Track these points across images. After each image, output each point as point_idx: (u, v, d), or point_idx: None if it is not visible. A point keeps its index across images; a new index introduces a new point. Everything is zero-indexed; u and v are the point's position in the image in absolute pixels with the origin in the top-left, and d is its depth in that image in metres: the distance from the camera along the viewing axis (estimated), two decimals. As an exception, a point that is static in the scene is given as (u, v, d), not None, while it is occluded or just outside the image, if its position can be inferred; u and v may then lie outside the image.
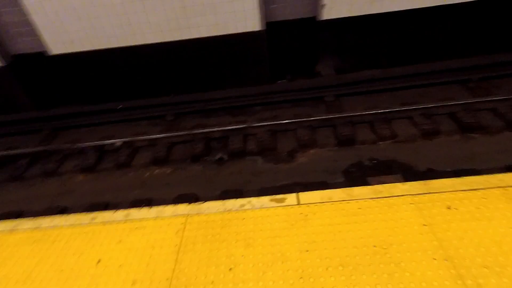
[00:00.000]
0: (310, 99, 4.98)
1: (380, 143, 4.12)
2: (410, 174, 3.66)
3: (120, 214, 2.07)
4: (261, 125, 4.44)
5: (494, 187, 1.74)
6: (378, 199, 1.80)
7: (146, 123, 5.19)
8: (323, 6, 4.66)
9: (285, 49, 5.38)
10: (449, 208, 1.67)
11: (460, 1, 4.62)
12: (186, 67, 5.23)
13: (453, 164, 3.68)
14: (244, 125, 4.48)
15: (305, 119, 4.38)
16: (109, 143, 4.61)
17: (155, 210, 2.06)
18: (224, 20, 4.65)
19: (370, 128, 4.32)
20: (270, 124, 4.42)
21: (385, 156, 3.97)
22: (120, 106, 5.26)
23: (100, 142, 4.62)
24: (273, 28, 5.05)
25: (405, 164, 3.83)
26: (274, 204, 1.90)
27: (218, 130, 4.51)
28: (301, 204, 1.86)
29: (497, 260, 1.41)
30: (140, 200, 3.69)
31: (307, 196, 1.91)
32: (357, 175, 3.81)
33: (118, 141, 4.61)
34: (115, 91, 5.50)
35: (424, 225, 1.61)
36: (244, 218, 1.84)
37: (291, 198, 1.91)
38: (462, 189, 1.77)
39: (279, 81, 5.50)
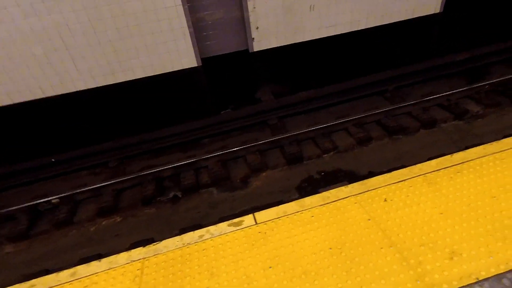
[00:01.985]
0: (255, 124, 5.20)
1: (325, 155, 4.45)
2: (354, 179, 3.99)
3: (65, 274, 1.86)
4: (211, 157, 4.46)
5: (416, 176, 2.02)
6: (327, 204, 1.94)
7: (86, 173, 4.82)
8: (253, 39, 5.08)
9: (224, 81, 5.63)
10: (385, 200, 1.88)
11: (366, 27, 5.45)
12: (126, 109, 5.10)
13: (387, 164, 4.12)
14: (194, 159, 4.45)
15: (253, 144, 4.54)
16: (44, 202, 4.14)
17: (106, 262, 1.90)
18: (159, 60, 4.73)
19: (313, 144, 4.64)
20: (220, 154, 4.47)
21: (331, 167, 4.28)
22: (53, 159, 4.81)
23: (32, 202, 4.12)
24: (210, 62, 5.29)
25: (349, 171, 4.17)
26: (232, 228, 1.91)
27: (168, 168, 4.39)
28: (259, 223, 1.90)
29: (429, 237, 1.62)
30: (88, 258, 3.33)
31: (263, 215, 1.97)
32: (309, 189, 4.01)
33: (54, 198, 4.16)
34: (47, 144, 5.05)
35: (369, 219, 1.78)
36: (204, 249, 1.81)
37: (248, 219, 1.95)
38: (393, 182, 2.01)
39: (223, 112, 5.66)
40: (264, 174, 4.35)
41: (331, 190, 2.05)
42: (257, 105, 5.43)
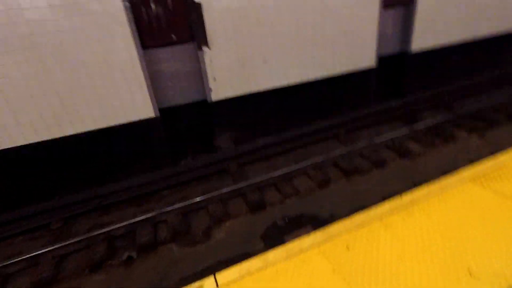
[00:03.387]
0: (215, 173, 5.12)
1: (287, 200, 4.46)
2: (317, 222, 4.01)
3: None
4: (170, 210, 4.20)
5: (374, 220, 2.08)
6: (291, 257, 1.88)
7: (22, 239, 4.19)
8: (210, 89, 5.23)
9: (183, 131, 5.60)
10: (348, 248, 1.88)
11: (315, 78, 5.98)
12: (74, 164, 4.72)
13: (346, 205, 4.25)
14: (151, 214, 4.15)
15: (214, 193, 4.41)
16: (-36, 280, 3.45)
17: None
18: (113, 111, 4.60)
19: (275, 189, 4.65)
20: (180, 207, 4.25)
21: (294, 212, 4.27)
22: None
23: None
24: (168, 112, 5.27)
25: (312, 215, 4.19)
26: (192, 295, 1.73)
27: (121, 226, 4.02)
28: (220, 286, 1.75)
29: (391, 284, 1.62)
30: None
31: (224, 275, 1.83)
32: (274, 237, 3.91)
33: (-22, 274, 3.49)
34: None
35: (333, 270, 1.74)
36: (159, 325, 1.59)
37: (208, 282, 1.79)
38: (353, 227, 2.04)
39: (182, 161, 5.53)
40: (227, 224, 4.18)
41: (294, 241, 2.00)
42: (217, 153, 5.41)
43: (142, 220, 4.08)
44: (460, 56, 7.52)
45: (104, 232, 3.92)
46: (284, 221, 4.13)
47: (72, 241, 3.80)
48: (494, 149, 5.00)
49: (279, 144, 5.64)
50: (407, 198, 2.27)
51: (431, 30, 6.80)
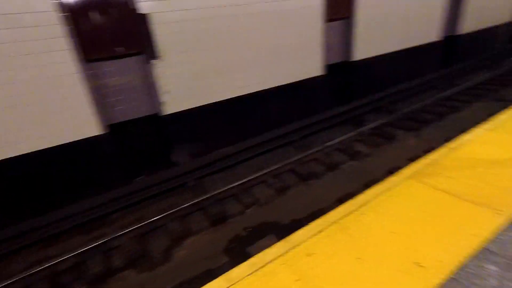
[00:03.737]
0: (173, 188, 4.92)
1: (248, 210, 4.45)
2: (279, 230, 4.06)
3: None
4: (124, 233, 3.91)
5: (331, 224, 2.18)
6: (256, 272, 1.86)
7: None
8: (163, 103, 5.05)
9: (136, 147, 5.29)
10: (309, 255, 1.93)
11: (269, 87, 6.14)
12: (8, 192, 4.15)
13: (306, 209, 4.38)
14: (103, 240, 3.81)
15: (172, 210, 4.22)
16: None
17: None
18: (55, 131, 4.17)
19: (236, 200, 4.62)
20: (135, 228, 3.98)
21: (255, 221, 4.27)
22: None
23: None
24: (119, 128, 4.95)
25: (273, 223, 4.24)
26: (153, 328, 1.61)
27: (68, 258, 3.61)
28: (185, 313, 1.67)
29: (351, 283, 1.70)
30: None
31: (189, 300, 1.74)
32: (238, 250, 3.86)
33: None
34: None
35: (297, 280, 1.77)
36: None
37: (171, 311, 1.69)
38: (313, 234, 2.11)
39: (136, 179, 5.21)
40: (188, 241, 4.02)
41: (257, 255, 2.00)
42: (174, 168, 5.21)
43: (92, 248, 3.72)
44: (395, 63, 8.37)
45: (46, 268, 3.48)
46: (247, 232, 4.11)
47: (5, 283, 3.31)
48: (427, 146, 5.60)
49: (236, 154, 5.63)
50: (359, 199, 2.42)
51: (369, 42, 7.47)
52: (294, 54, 6.26)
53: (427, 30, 8.70)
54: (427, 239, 1.95)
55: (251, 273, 1.85)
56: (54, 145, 4.24)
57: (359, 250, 1.93)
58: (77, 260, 3.65)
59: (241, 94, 5.85)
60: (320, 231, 2.12)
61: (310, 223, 2.22)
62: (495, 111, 6.57)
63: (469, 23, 9.77)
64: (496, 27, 11.02)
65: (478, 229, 1.99)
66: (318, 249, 1.97)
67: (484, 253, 1.83)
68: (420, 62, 9.07)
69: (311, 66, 6.63)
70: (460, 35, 9.74)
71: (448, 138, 5.76)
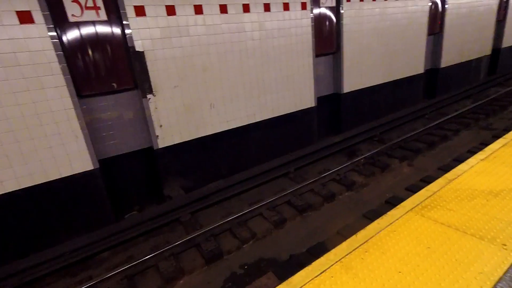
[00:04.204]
0: (166, 224, 4.73)
1: (245, 246, 4.27)
2: (278, 267, 3.87)
3: None
4: (112, 275, 3.66)
5: (334, 263, 2.08)
6: (257, 320, 1.73)
7: None
8: (157, 136, 5.02)
9: (127, 182, 5.15)
10: (313, 300, 1.81)
11: (261, 119, 6.21)
12: (-12, 233, 3.91)
13: (304, 243, 4.22)
14: (88, 283, 3.55)
15: (164, 248, 4.01)
16: None
17: None
18: (40, 168, 4.04)
19: (231, 235, 4.45)
20: (124, 269, 3.74)
21: (252, 257, 4.08)
22: None
23: None
24: (110, 163, 4.84)
25: (271, 259, 4.05)
26: None
27: (49, 306, 3.33)
28: None
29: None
30: None
31: None
32: (234, 290, 3.64)
33: None
34: None
35: (302, 329, 1.64)
36: None
37: None
38: (315, 275, 2.00)
39: (127, 215, 5.01)
40: (181, 282, 3.78)
41: (258, 300, 1.86)
42: (167, 203, 5.05)
43: (77, 294, 3.46)
44: (382, 95, 8.66)
45: (26, 317, 3.19)
46: (244, 269, 3.90)
47: (-21, 337, 2.99)
48: (422, 174, 5.62)
49: (231, 186, 5.53)
50: (361, 235, 2.34)
51: (356, 75, 7.78)
52: (287, 87, 6.42)
53: (410, 62, 9.15)
54: (434, 280, 1.87)
55: (252, 323, 1.71)
56: (42, 181, 4.09)
57: (366, 293, 1.82)
58: (59, 307, 3.36)
59: (234, 127, 5.88)
60: (323, 272, 2.01)
61: (312, 263, 2.12)
62: (484, 140, 6.76)
63: (451, 57, 10.37)
64: (478, 60, 11.70)
65: (486, 266, 1.92)
66: (323, 292, 1.86)
67: (496, 293, 1.75)
68: (406, 93, 9.42)
69: (303, 98, 6.79)
70: (443, 68, 10.27)
71: (441, 167, 5.81)
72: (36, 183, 4.04)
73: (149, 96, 4.79)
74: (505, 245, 2.08)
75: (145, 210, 5.16)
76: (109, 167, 4.84)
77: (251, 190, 5.64)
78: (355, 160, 6.11)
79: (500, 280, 1.82)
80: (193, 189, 5.53)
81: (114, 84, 4.65)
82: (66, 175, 4.24)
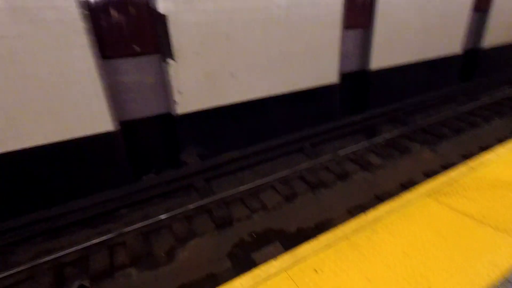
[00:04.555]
0: (180, 188, 4.90)
1: (254, 216, 4.38)
2: (284, 238, 3.98)
3: None
4: (129, 230, 3.90)
5: (341, 239, 2.09)
6: (259, 284, 1.80)
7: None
8: (175, 102, 5.05)
9: (145, 145, 5.31)
10: (316, 271, 1.85)
11: (283, 92, 6.07)
12: (21, 182, 4.22)
13: (313, 219, 4.28)
14: (108, 236, 3.81)
15: (178, 211, 4.20)
16: None
17: None
18: (66, 125, 4.22)
19: (242, 204, 4.56)
20: (140, 227, 3.97)
21: (261, 227, 4.20)
22: None
23: None
24: (130, 126, 4.98)
25: (279, 230, 4.15)
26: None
27: (72, 251, 3.63)
28: (184, 322, 1.62)
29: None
30: None
31: (189, 309, 1.69)
32: (242, 255, 3.79)
33: None
34: None
35: (302, 297, 1.70)
36: None
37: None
38: (321, 249, 2.02)
39: (144, 177, 5.22)
40: (192, 243, 3.98)
41: (261, 266, 1.93)
42: (182, 168, 5.20)
43: (97, 244, 3.73)
44: (412, 74, 8.16)
45: (51, 260, 3.50)
46: (252, 237, 4.04)
47: (12, 272, 3.34)
48: (443, 162, 5.41)
49: (246, 158, 5.58)
50: (371, 215, 2.32)
51: (387, 51, 7.31)
52: (310, 60, 6.17)
53: (447, 41, 8.46)
54: (442, 266, 1.84)
55: (254, 285, 1.79)
56: (67, 138, 4.29)
57: (370, 270, 1.84)
58: (81, 254, 3.65)
59: (253, 98, 5.80)
60: (328, 246, 2.04)
61: (318, 236, 2.14)
62: (517, 129, 6.32)
63: (495, 36, 9.46)
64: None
65: (499, 258, 1.86)
66: (326, 265, 1.89)
67: (506, 286, 1.71)
68: (439, 74, 8.82)
69: (326, 73, 6.52)
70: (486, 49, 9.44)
71: (466, 155, 5.55)
72: (62, 140, 4.24)
73: (170, 61, 4.76)
74: (522, 238, 2.00)
75: (161, 173, 5.35)
76: (129, 130, 4.98)
77: (265, 162, 5.67)
78: (374, 141, 5.94)
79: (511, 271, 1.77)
80: (209, 157, 5.63)
81: (136, 47, 4.64)
82: (90, 134, 4.41)
